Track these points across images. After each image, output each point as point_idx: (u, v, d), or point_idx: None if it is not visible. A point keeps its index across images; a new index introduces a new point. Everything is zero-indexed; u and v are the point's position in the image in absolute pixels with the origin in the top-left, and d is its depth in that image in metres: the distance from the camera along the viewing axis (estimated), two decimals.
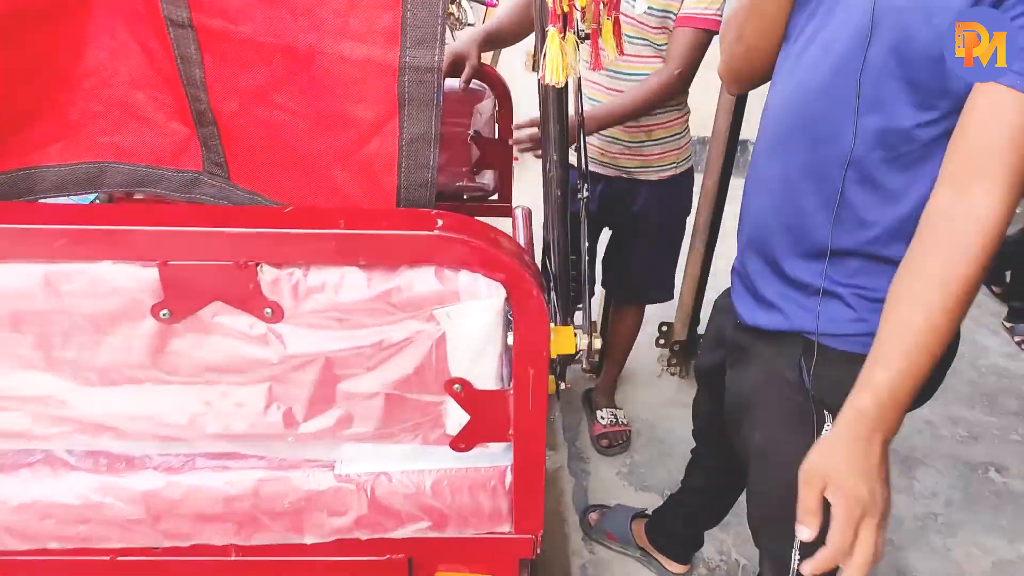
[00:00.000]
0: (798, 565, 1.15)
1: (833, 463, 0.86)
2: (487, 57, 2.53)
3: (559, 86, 0.67)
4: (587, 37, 0.80)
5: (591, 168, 1.96)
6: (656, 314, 2.54)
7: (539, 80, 0.74)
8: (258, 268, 0.73)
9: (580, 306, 0.88)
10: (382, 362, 0.79)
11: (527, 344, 0.78)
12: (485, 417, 0.85)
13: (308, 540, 0.96)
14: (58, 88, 0.91)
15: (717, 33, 1.67)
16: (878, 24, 0.91)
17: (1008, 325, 3.01)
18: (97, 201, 1.27)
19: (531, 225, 1.07)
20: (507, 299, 0.75)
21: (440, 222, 0.72)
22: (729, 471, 1.53)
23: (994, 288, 3.20)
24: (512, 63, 3.65)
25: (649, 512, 1.95)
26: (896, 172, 0.96)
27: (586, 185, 1.14)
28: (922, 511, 2.13)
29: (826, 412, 1.09)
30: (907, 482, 2.24)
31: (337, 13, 0.76)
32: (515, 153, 1.70)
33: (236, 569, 0.98)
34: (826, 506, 0.86)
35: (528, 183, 1.85)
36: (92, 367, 0.80)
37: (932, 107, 0.90)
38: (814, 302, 1.05)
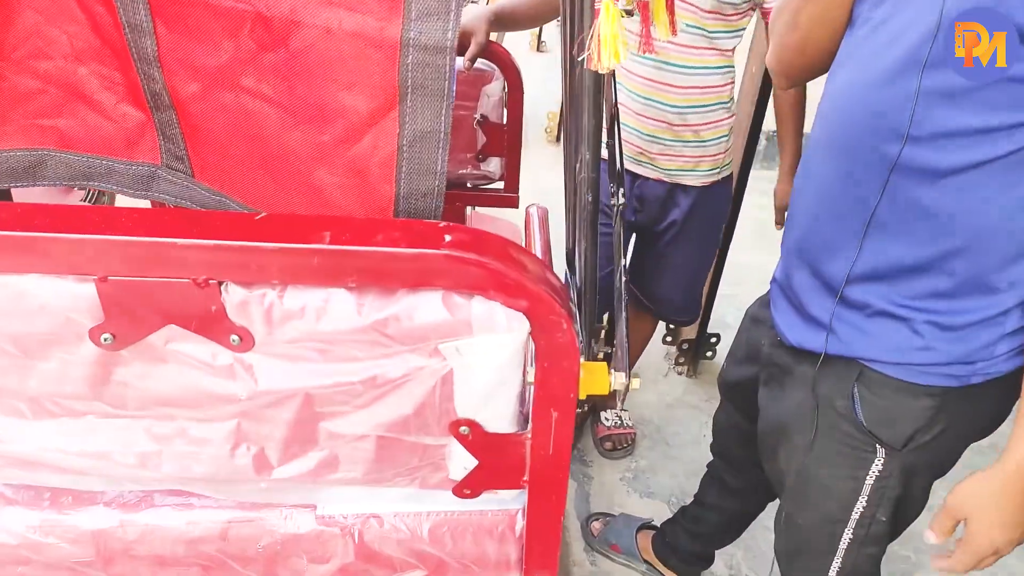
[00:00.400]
0: None
1: (982, 506, 0.88)
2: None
3: (609, 71, 0.53)
4: (630, 13, 0.65)
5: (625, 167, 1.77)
6: None
7: (577, 65, 0.59)
8: (222, 287, 0.59)
9: (616, 342, 0.74)
10: (375, 400, 0.66)
11: (552, 383, 0.64)
12: (496, 463, 0.71)
13: None
14: None
15: None
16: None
17: None
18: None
19: (548, 228, 0.91)
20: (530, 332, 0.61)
21: (448, 237, 0.58)
22: (753, 492, 1.43)
23: None
24: (516, 44, 3.47)
25: (655, 523, 1.85)
26: (972, 175, 0.83)
27: (622, 190, 0.99)
28: None
29: (877, 446, 0.98)
30: None
31: None
32: None
33: None
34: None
35: (523, 168, 1.69)
36: (21, 396, 0.67)
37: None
38: (875, 325, 0.92)
